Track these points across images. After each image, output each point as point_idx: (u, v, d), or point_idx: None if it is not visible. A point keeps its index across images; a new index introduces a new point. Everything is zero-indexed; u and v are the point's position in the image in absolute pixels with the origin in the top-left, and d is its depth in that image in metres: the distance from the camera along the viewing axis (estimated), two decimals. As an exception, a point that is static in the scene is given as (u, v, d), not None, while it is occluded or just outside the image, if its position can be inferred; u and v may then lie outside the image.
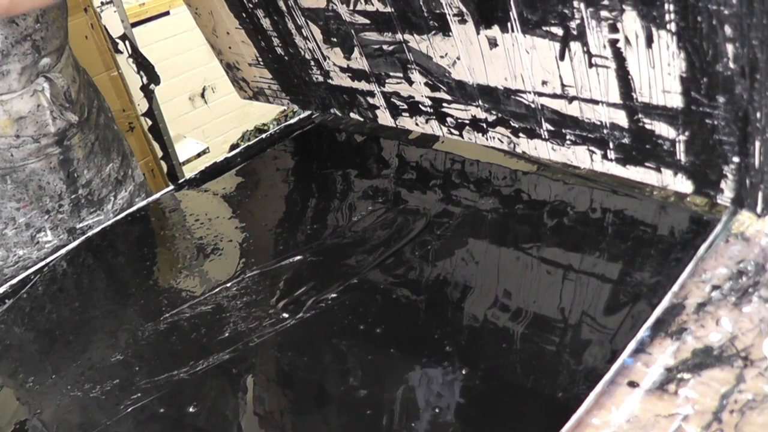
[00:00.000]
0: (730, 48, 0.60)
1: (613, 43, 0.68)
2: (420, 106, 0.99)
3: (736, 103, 0.63)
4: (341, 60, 1.03)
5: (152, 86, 1.25)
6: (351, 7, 0.91)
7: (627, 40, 0.67)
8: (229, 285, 0.86)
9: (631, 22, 0.65)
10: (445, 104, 0.96)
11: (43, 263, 1.00)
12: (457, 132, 0.99)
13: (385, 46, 0.94)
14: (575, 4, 0.68)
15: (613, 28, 0.67)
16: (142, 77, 1.24)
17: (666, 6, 0.61)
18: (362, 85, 1.05)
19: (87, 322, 0.87)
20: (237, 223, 1.05)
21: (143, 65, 1.19)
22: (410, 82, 0.96)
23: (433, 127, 1.02)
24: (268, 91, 1.27)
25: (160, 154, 1.37)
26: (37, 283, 0.95)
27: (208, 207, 1.11)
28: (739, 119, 0.64)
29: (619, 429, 0.58)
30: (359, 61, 1.00)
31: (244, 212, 1.08)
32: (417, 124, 1.04)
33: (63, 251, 1.02)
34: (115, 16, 1.22)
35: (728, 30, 0.59)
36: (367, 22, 0.92)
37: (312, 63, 1.09)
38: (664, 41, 0.64)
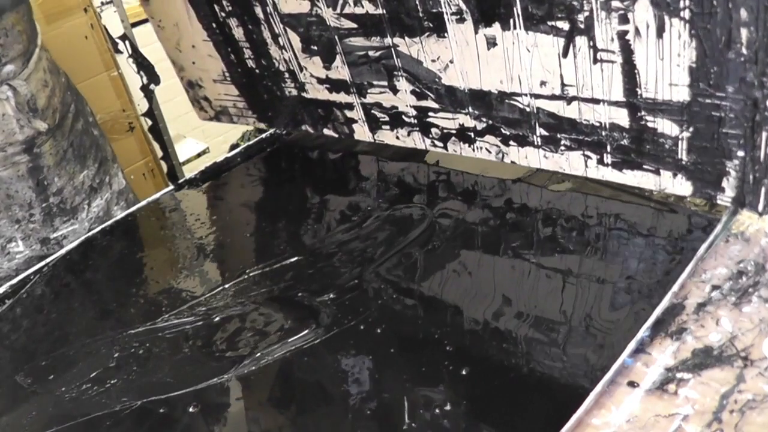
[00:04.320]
0: (744, 33, 0.55)
1: (622, 35, 0.63)
2: (403, 116, 0.92)
3: (746, 92, 0.59)
4: (319, 70, 0.95)
5: (152, 86, 1.25)
6: (338, 11, 0.84)
7: (637, 31, 0.62)
8: (228, 285, 0.82)
9: (643, 11, 0.60)
10: (431, 113, 0.89)
11: (42, 263, 0.95)
12: (441, 144, 0.91)
13: (371, 52, 0.87)
14: None
15: (624, 19, 0.62)
16: (142, 77, 1.23)
17: None
18: (340, 97, 0.97)
19: (86, 322, 0.83)
20: (237, 223, 1.01)
21: (143, 65, 1.18)
22: (395, 91, 0.89)
23: (415, 140, 0.94)
24: (232, 110, 1.16)
25: (160, 154, 1.37)
26: (37, 283, 0.91)
27: (208, 207, 1.07)
28: (748, 108, 0.60)
29: (619, 429, 0.54)
30: (340, 71, 0.92)
31: (244, 212, 1.03)
32: (398, 138, 0.96)
33: (63, 251, 0.97)
34: (115, 16, 1.21)
35: (744, 14, 0.54)
36: (354, 26, 0.85)
37: (286, 75, 1.00)
38: (676, 30, 0.59)
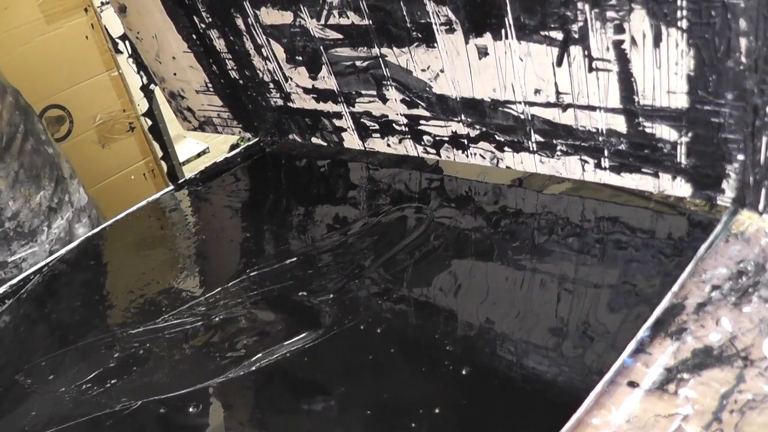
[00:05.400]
0: (743, 42, 0.54)
1: (618, 44, 0.62)
2: (394, 125, 0.90)
3: (745, 99, 0.58)
4: (305, 80, 0.92)
5: (152, 86, 1.25)
6: (322, 22, 0.82)
7: (633, 41, 0.61)
8: (229, 285, 0.81)
9: (639, 21, 0.59)
10: (422, 121, 0.86)
11: (42, 263, 0.94)
12: (434, 150, 0.89)
13: (358, 63, 0.84)
14: (579, 5, 0.61)
15: (619, 29, 0.61)
16: (142, 77, 1.23)
17: (679, 2, 0.56)
18: (328, 107, 0.94)
19: (86, 321, 0.82)
20: (237, 223, 0.99)
21: (143, 65, 1.19)
22: (384, 100, 0.87)
23: (407, 147, 0.92)
24: (216, 120, 1.13)
25: (160, 154, 1.37)
26: (37, 283, 0.90)
27: (208, 207, 1.06)
28: (748, 114, 0.59)
29: (619, 429, 0.54)
30: (327, 81, 0.90)
31: (244, 212, 1.02)
32: (389, 145, 0.93)
33: (63, 251, 0.95)
34: (115, 17, 1.22)
35: (743, 24, 0.54)
36: (340, 37, 0.82)
37: (271, 85, 0.97)
38: (674, 39, 0.58)
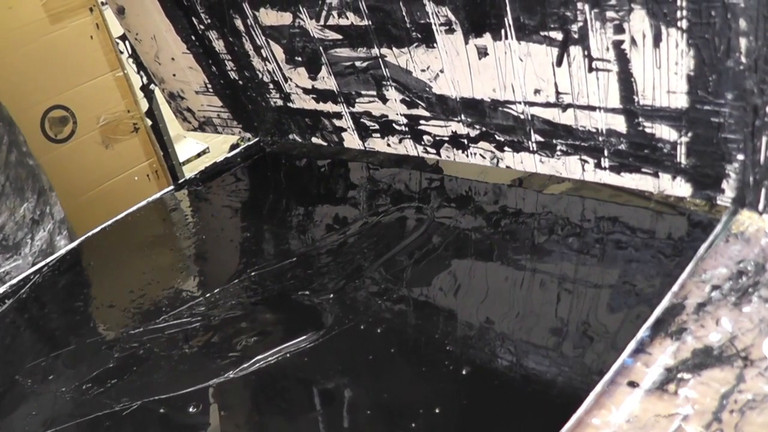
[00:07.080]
0: (743, 42, 0.55)
1: (618, 44, 0.62)
2: (394, 125, 0.90)
3: (745, 99, 0.58)
4: (305, 81, 0.92)
5: (152, 86, 1.25)
6: (321, 22, 0.82)
7: (633, 41, 0.61)
8: (229, 285, 0.81)
9: (638, 21, 0.59)
10: (422, 121, 0.87)
11: (42, 263, 0.94)
12: (434, 150, 0.89)
13: (358, 63, 0.84)
14: (579, 5, 0.61)
15: (619, 29, 0.61)
16: (142, 77, 1.23)
17: (678, 2, 0.56)
18: (328, 107, 0.94)
19: (86, 322, 0.82)
20: (237, 223, 1.00)
21: (143, 65, 1.19)
22: (384, 101, 0.87)
23: (407, 147, 0.92)
24: (216, 120, 1.14)
25: (160, 154, 1.37)
26: (37, 283, 0.90)
27: (208, 207, 1.06)
28: (748, 114, 0.59)
29: (619, 429, 0.54)
30: (326, 81, 0.90)
31: (244, 212, 1.02)
32: (389, 145, 0.94)
33: (63, 251, 0.96)
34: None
35: (743, 23, 0.54)
36: (339, 37, 0.82)
37: (271, 86, 0.98)
38: (674, 39, 0.58)
